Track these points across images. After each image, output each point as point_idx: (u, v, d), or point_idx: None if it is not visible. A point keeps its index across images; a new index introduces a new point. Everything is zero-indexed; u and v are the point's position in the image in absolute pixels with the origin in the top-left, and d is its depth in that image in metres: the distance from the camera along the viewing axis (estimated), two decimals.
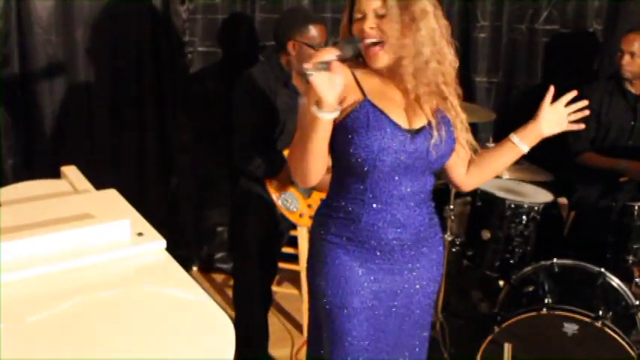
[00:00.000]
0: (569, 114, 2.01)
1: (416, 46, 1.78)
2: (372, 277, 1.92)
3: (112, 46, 3.45)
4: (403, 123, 1.82)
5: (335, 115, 1.68)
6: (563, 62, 4.05)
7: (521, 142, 1.99)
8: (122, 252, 1.56)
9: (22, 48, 3.24)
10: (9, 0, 3.16)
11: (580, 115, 2.01)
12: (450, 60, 1.87)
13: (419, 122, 1.85)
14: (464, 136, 1.95)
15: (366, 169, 1.81)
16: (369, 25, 1.78)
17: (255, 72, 2.89)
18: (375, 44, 1.79)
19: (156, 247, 1.59)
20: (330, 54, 1.62)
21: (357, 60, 1.89)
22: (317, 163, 1.76)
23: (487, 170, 2.08)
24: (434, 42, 1.80)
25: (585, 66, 4.07)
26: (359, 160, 1.79)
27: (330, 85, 1.61)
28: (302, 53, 2.81)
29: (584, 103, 2.01)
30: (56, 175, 2.09)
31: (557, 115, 1.99)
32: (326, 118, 1.66)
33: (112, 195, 1.86)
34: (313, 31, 2.85)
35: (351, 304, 1.91)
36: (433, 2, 1.82)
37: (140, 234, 1.62)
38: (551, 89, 2.00)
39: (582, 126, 2.02)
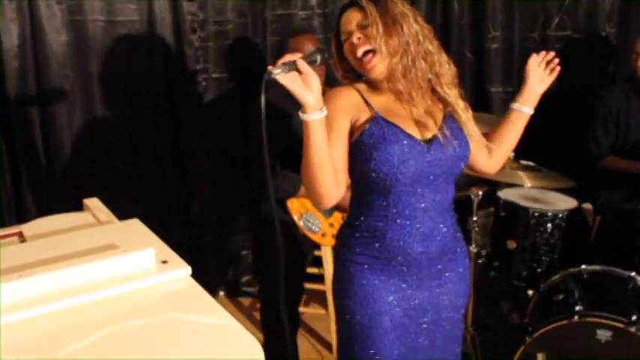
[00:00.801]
0: (545, 68, 2.10)
1: (402, 45, 1.82)
2: (400, 295, 1.91)
3: (127, 78, 3.50)
4: (416, 134, 1.84)
5: (322, 115, 1.68)
6: (578, 68, 4.02)
7: (523, 106, 2.08)
8: (148, 281, 1.55)
9: (40, 84, 3.29)
10: (24, 38, 3.21)
11: (552, 65, 2.10)
12: (442, 61, 1.90)
13: (429, 132, 1.87)
14: (475, 131, 1.98)
15: (388, 183, 1.81)
16: (356, 37, 1.83)
17: (268, 96, 2.91)
18: (366, 54, 1.83)
19: (181, 274, 1.59)
20: (293, 56, 1.65)
21: (360, 79, 1.93)
22: (324, 176, 1.75)
23: (505, 146, 2.12)
24: (418, 41, 1.84)
25: (600, 70, 4.04)
26: (380, 175, 1.79)
27: (303, 85, 1.64)
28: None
29: (552, 54, 2.11)
30: (79, 208, 2.10)
31: (539, 73, 2.09)
32: (312, 119, 1.67)
33: (135, 224, 1.86)
34: (293, 45, 2.88)
35: (380, 324, 1.89)
36: (409, 8, 1.88)
37: (165, 262, 1.61)
38: (534, 55, 2.11)
39: (558, 69, 2.10)
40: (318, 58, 1.75)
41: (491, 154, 2.11)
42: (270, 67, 1.62)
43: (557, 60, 2.10)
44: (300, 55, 1.67)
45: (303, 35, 2.94)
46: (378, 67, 1.84)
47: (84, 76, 3.39)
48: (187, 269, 1.60)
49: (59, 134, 3.37)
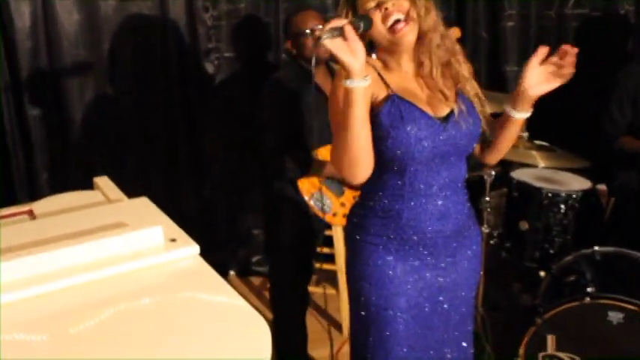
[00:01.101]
0: (551, 68, 1.81)
1: (434, 22, 1.82)
2: (416, 275, 1.91)
3: (139, 57, 3.48)
4: (431, 113, 1.83)
5: (366, 83, 1.65)
6: (595, 46, 3.98)
7: (515, 111, 1.88)
8: (156, 259, 1.55)
9: (52, 63, 3.29)
10: (36, 17, 3.20)
11: (564, 69, 1.79)
12: (454, 40, 1.90)
13: (444, 110, 1.85)
14: (484, 105, 1.94)
15: (404, 162, 1.80)
16: (392, 2, 1.78)
17: (279, 76, 2.91)
18: (397, 22, 1.79)
19: (189, 252, 1.58)
20: (341, 21, 1.62)
21: (371, 57, 1.90)
22: (363, 149, 1.72)
23: (498, 147, 2.02)
24: (442, 24, 1.86)
25: (618, 49, 3.99)
26: (397, 153, 1.78)
27: (349, 51, 1.60)
28: (300, 46, 2.84)
29: (574, 50, 1.78)
30: (90, 186, 2.10)
31: (540, 74, 1.81)
32: (358, 86, 1.63)
33: (144, 203, 1.86)
34: (297, 22, 2.86)
35: (397, 305, 1.89)
36: None
37: (173, 240, 1.61)
38: (541, 50, 1.80)
39: (570, 73, 1.79)
40: (362, 24, 1.72)
41: (481, 147, 2.04)
42: (317, 32, 1.60)
43: (570, 60, 1.79)
44: (347, 20, 1.64)
45: (307, 12, 2.92)
46: (410, 35, 1.80)
47: (96, 55, 3.39)
48: (196, 247, 1.59)
49: (71, 112, 3.37)
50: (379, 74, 1.86)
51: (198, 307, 1.43)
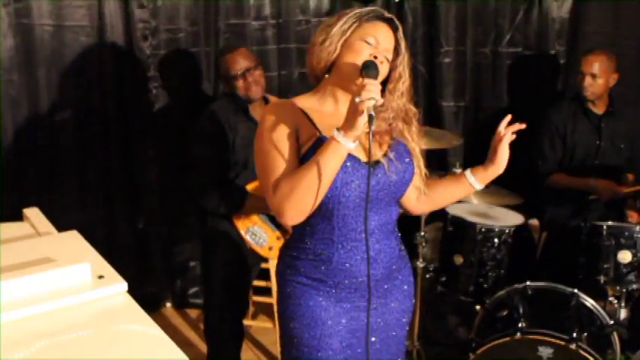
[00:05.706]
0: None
1: (405, 84, 1.84)
2: (348, 316, 1.89)
3: (76, 84, 3.41)
4: (361, 156, 1.80)
5: (353, 146, 1.67)
6: (528, 84, 4.10)
7: (479, 182, 1.94)
8: (83, 296, 1.53)
9: None
10: None
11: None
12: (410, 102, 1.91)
13: (375, 155, 1.83)
14: (421, 168, 1.94)
15: (330, 206, 1.78)
16: (383, 56, 1.77)
17: (213, 107, 2.90)
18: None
19: (117, 289, 1.56)
20: (376, 87, 1.64)
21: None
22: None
23: (438, 201, 2.04)
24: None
25: (549, 87, 4.12)
26: (323, 197, 1.74)
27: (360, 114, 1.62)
28: (232, 87, 2.88)
29: (519, 127, 1.88)
30: (21, 217, 2.05)
31: (504, 151, 1.89)
32: (347, 145, 1.65)
33: (74, 237, 1.84)
34: (227, 62, 2.90)
35: (330, 346, 1.87)
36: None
37: (101, 277, 1.59)
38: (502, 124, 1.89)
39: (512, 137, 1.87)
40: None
41: (418, 197, 2.02)
42: (368, 111, 1.60)
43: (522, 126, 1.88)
44: (377, 84, 1.66)
45: (236, 52, 2.92)
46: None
47: (30, 82, 3.30)
48: (123, 284, 1.59)
49: (3, 141, 3.27)
50: (307, 116, 1.83)
51: (121, 344, 1.41)
